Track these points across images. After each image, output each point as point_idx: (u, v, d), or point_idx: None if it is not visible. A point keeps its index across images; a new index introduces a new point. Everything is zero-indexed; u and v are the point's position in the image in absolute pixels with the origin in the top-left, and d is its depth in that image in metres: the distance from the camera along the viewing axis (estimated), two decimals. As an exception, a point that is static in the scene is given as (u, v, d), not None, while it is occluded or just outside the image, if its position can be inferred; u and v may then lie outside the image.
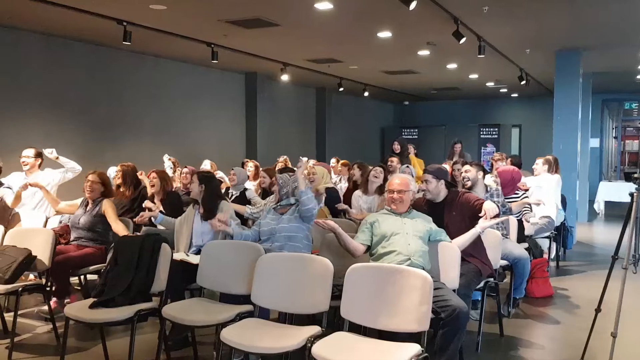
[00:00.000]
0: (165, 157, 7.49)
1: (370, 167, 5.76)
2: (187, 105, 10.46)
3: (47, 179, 5.59)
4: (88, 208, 4.84)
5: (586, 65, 9.68)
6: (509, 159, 7.63)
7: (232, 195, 6.06)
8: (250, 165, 7.71)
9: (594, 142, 14.37)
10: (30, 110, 7.73)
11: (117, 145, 8.95)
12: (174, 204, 5.21)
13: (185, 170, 6.49)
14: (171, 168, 7.41)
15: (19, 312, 4.27)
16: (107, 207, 4.79)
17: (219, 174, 7.70)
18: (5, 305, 4.83)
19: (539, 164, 7.03)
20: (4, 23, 7.21)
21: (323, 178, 6.02)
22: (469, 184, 4.82)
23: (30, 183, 5.10)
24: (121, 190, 5.47)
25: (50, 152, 5.62)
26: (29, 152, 5.62)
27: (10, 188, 5.25)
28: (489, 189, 4.94)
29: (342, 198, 6.66)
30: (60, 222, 5.34)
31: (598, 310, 3.72)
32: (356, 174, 6.09)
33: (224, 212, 4.25)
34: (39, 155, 5.65)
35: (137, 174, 5.62)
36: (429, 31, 7.68)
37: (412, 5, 5.45)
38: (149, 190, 5.39)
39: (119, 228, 4.69)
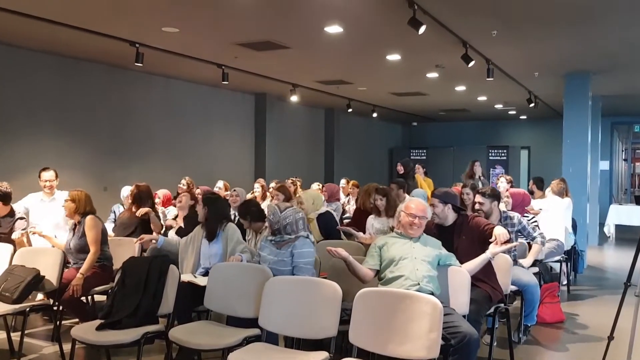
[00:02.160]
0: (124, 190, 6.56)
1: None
2: (197, 125, 10.54)
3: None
4: (75, 230, 4.67)
5: (595, 89, 9.67)
6: (531, 181, 7.69)
7: (234, 216, 6.00)
8: (257, 187, 7.62)
9: (604, 165, 14.29)
10: (42, 130, 7.82)
11: (127, 165, 9.01)
12: (189, 226, 5.23)
13: (197, 191, 6.49)
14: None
15: (26, 332, 4.26)
16: (88, 228, 4.53)
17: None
18: (12, 325, 4.82)
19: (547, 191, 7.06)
20: (18, 44, 7.33)
21: (313, 204, 5.51)
22: (482, 215, 4.74)
23: (20, 240, 4.87)
24: (133, 210, 5.48)
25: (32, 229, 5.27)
26: (51, 175, 5.55)
27: (23, 218, 5.22)
28: (502, 218, 4.86)
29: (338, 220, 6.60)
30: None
31: (611, 338, 3.65)
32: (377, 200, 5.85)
33: (235, 256, 4.16)
34: (57, 175, 5.65)
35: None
36: (438, 54, 7.72)
37: (422, 30, 5.48)
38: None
39: (93, 251, 4.48)
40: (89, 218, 4.60)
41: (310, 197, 5.57)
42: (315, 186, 8.77)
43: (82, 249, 4.57)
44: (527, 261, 4.96)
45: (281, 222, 3.85)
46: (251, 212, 4.81)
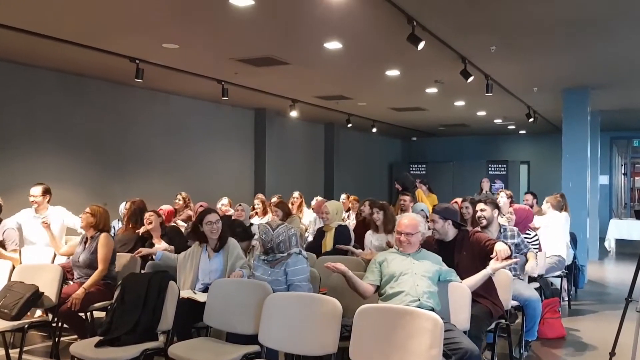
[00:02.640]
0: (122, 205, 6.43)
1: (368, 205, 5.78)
2: (198, 140, 10.56)
3: (58, 217, 5.48)
4: (87, 245, 4.69)
5: (594, 104, 9.71)
6: (527, 194, 7.68)
7: None
8: (257, 203, 7.60)
9: (604, 179, 14.30)
10: (43, 146, 7.82)
11: (127, 181, 9.01)
12: (176, 239, 5.24)
13: (200, 208, 6.47)
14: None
15: (25, 349, 4.23)
16: (100, 245, 4.59)
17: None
18: (10, 341, 4.79)
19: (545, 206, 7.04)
20: (19, 60, 7.38)
21: (337, 214, 5.70)
22: (484, 222, 4.77)
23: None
24: (130, 226, 5.47)
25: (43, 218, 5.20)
26: (37, 191, 5.34)
27: (14, 229, 5.18)
28: (502, 229, 4.88)
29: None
30: (68, 258, 5.31)
31: (612, 354, 3.64)
32: (366, 210, 6.05)
33: (236, 272, 4.17)
34: (47, 191, 5.41)
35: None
36: (437, 70, 7.77)
37: (421, 46, 5.52)
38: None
39: (101, 269, 4.53)
40: (103, 235, 4.65)
41: (334, 207, 5.71)
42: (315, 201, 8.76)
43: (91, 265, 4.59)
44: (530, 266, 4.83)
45: (274, 240, 3.83)
46: (237, 232, 4.80)
